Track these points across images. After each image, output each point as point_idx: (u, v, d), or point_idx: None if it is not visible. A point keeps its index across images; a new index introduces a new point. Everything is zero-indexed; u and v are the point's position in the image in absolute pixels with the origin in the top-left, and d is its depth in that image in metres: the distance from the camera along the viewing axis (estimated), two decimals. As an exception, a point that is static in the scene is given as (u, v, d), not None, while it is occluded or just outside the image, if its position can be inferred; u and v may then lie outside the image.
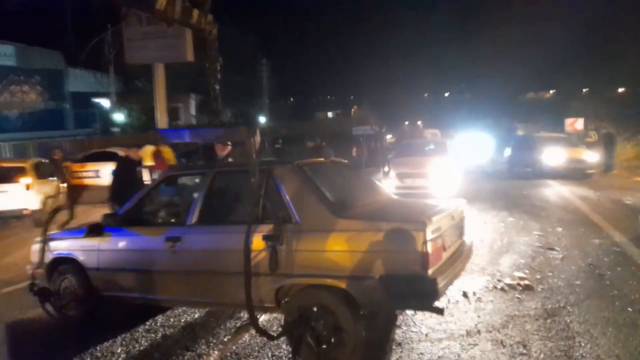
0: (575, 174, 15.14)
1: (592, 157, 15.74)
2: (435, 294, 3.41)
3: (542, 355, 3.69)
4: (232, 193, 4.45)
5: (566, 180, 14.52)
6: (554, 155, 15.39)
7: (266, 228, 3.75)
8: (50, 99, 28.58)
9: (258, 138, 3.99)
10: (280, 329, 4.04)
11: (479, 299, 4.89)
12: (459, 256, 4.09)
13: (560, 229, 7.89)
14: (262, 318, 4.51)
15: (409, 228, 3.44)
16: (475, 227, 7.24)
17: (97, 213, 8.02)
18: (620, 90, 38.28)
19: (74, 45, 28.63)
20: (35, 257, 4.97)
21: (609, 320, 4.27)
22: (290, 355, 3.72)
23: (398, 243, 3.42)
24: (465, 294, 4.96)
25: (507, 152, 18.62)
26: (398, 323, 4.34)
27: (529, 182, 14.52)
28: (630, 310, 4.47)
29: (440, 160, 11.69)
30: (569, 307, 4.60)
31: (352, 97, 52.49)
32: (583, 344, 3.83)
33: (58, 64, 29.15)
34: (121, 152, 12.81)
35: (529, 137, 18.43)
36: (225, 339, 4.23)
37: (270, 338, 3.83)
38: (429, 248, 3.37)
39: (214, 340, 4.22)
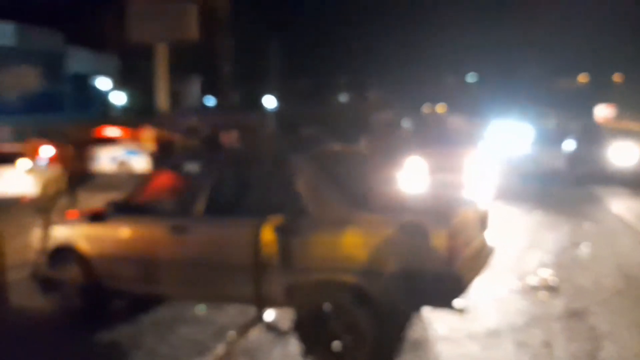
0: None
1: None
2: (457, 291, 3.45)
3: (565, 357, 3.73)
4: (242, 182, 4.48)
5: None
6: (624, 152, 12.04)
7: (278, 219, 3.78)
8: (49, 81, 28.79)
9: (271, 124, 4.03)
10: (291, 325, 4.10)
11: (501, 298, 4.93)
12: (482, 252, 4.11)
13: (586, 224, 7.89)
14: (272, 313, 4.57)
15: (432, 222, 3.46)
16: (501, 224, 7.20)
17: (98, 200, 8.13)
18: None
19: (76, 23, 28.75)
20: (37, 245, 5.07)
21: (635, 320, 4.29)
22: (302, 354, 3.78)
23: (419, 238, 3.44)
24: (486, 292, 4.99)
25: (568, 145, 14.98)
26: (416, 322, 4.38)
27: (577, 191, 11.29)
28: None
29: (473, 153, 11.03)
30: (594, 307, 4.62)
31: (368, 79, 52.04)
32: (608, 346, 3.87)
33: (58, 44, 29.31)
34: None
35: (593, 127, 15.10)
36: (234, 334, 4.31)
37: (281, 334, 3.90)
38: (452, 243, 3.39)
39: (222, 335, 4.30)
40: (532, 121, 24.21)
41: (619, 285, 5.20)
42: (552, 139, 24.25)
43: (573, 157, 14.32)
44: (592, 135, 13.95)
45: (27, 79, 26.51)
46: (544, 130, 24.42)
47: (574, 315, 4.47)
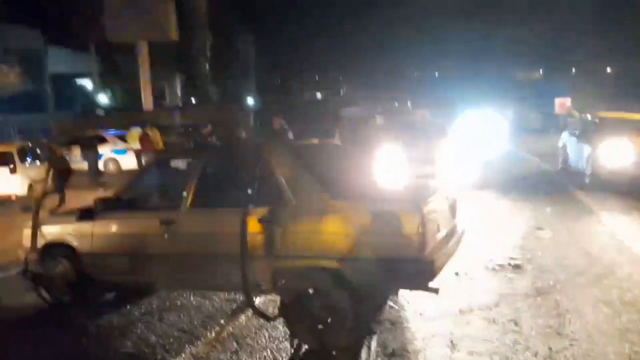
0: None
1: None
2: (431, 274, 3.51)
3: (533, 332, 3.84)
4: (225, 175, 4.49)
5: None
6: (617, 151, 9.30)
7: (261, 210, 3.80)
8: (30, 80, 28.01)
9: (250, 119, 4.04)
10: (276, 311, 4.13)
11: (471, 279, 5.04)
12: (453, 237, 4.19)
13: (549, 209, 8.09)
14: (258, 300, 4.59)
15: (405, 209, 3.52)
16: (473, 210, 7.30)
17: (85, 198, 8.00)
18: (609, 70, 38.78)
19: (55, 23, 28.03)
20: (27, 242, 4.99)
21: (597, 298, 4.43)
22: (287, 337, 3.82)
23: (394, 224, 3.50)
24: (457, 274, 5.10)
25: (562, 140, 12.81)
26: (393, 303, 4.46)
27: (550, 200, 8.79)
28: (617, 287, 4.65)
29: (444, 144, 10.85)
30: (558, 286, 4.76)
31: (340, 78, 52.38)
32: (573, 321, 3.99)
33: (37, 43, 28.52)
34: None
35: (584, 120, 12.11)
36: (222, 321, 4.33)
37: (268, 319, 3.93)
38: (425, 229, 3.46)
39: (211, 322, 4.31)
40: (499, 112, 23.69)
41: (580, 265, 5.36)
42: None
43: (564, 156, 12.16)
44: (582, 130, 11.31)
45: (7, 79, 25.76)
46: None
47: (540, 293, 4.60)
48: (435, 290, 3.60)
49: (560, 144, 12.99)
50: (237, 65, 36.59)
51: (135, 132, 14.41)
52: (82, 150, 14.44)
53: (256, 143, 4.50)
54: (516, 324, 3.99)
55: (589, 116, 11.84)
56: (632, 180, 8.96)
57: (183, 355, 3.77)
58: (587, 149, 10.16)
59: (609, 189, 9.04)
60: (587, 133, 10.79)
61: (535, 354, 3.52)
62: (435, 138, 11.22)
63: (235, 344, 3.89)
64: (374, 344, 3.78)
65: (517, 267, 5.33)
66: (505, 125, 20.91)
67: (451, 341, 3.76)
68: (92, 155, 14.28)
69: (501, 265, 5.38)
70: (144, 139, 12.24)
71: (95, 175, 13.97)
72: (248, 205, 3.73)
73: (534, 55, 44.17)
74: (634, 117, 10.95)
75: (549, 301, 4.40)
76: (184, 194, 4.26)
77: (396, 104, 27.26)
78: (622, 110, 12.82)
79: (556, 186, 10.62)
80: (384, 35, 45.88)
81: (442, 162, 10.20)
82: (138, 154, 13.74)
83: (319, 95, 48.48)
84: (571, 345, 3.61)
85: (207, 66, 31.10)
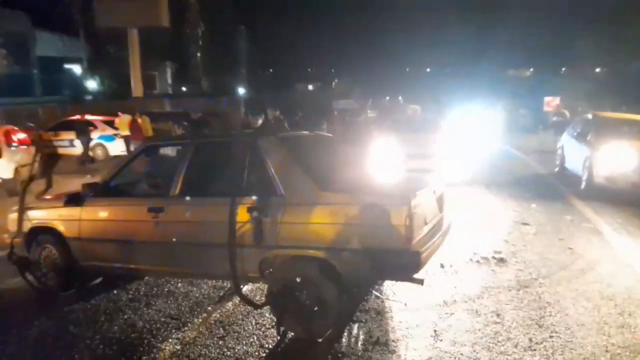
0: None
1: None
2: (417, 266, 3.56)
3: (514, 324, 3.92)
4: (215, 164, 4.48)
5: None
6: (617, 156, 8.58)
7: (250, 200, 3.82)
8: (16, 64, 27.57)
9: (242, 109, 4.03)
10: (263, 299, 4.16)
11: (456, 271, 5.11)
12: (439, 230, 4.25)
13: (534, 205, 8.19)
14: (246, 288, 4.62)
15: (393, 202, 3.56)
16: (460, 204, 7.35)
17: (72, 183, 7.95)
18: (598, 70, 39.28)
19: (42, 6, 27.60)
20: (12, 226, 4.96)
21: (578, 292, 4.53)
22: (274, 324, 3.86)
23: (381, 216, 3.53)
24: (443, 266, 5.18)
25: (562, 141, 11.92)
26: (378, 293, 4.52)
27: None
28: (598, 282, 4.75)
29: (436, 139, 10.69)
30: (540, 279, 4.86)
31: (332, 70, 52.45)
32: (553, 314, 4.08)
33: (25, 27, 28.07)
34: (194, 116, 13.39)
35: (583, 120, 11.02)
36: (209, 308, 4.35)
37: (255, 307, 3.97)
38: (412, 222, 3.50)
39: (198, 309, 4.34)
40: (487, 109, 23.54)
41: (563, 260, 5.46)
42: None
43: (561, 158, 11.50)
44: (582, 131, 10.41)
45: (-6, 61, 25.34)
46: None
47: (522, 286, 4.68)
48: (420, 282, 3.66)
49: (558, 145, 12.16)
50: (230, 56, 36.41)
51: (125, 118, 14.34)
52: (77, 135, 15.20)
53: (248, 133, 4.50)
54: (498, 315, 4.07)
55: (589, 116, 10.86)
56: (633, 188, 8.38)
57: (170, 340, 3.79)
58: (585, 152, 9.50)
59: (603, 193, 8.64)
60: (585, 134, 10.01)
61: (516, 345, 3.60)
62: (431, 133, 11.09)
63: (222, 330, 3.93)
64: (359, 332, 3.84)
65: (501, 260, 5.42)
66: (496, 122, 21.01)
67: (435, 331, 3.83)
68: (85, 139, 15.13)
69: (485, 259, 5.47)
70: (133, 125, 12.17)
71: (87, 159, 14.64)
72: (237, 195, 3.75)
73: (525, 54, 44.55)
74: (633, 118, 10.25)
75: (531, 294, 4.49)
76: (173, 181, 4.26)
77: (387, 98, 27.32)
78: (610, 110, 12.76)
79: (546, 185, 10.71)
80: (377, 30, 46.00)
81: (439, 156, 10.10)
82: (127, 141, 13.69)
83: (310, 87, 48.45)
84: (551, 337, 3.70)
85: (199, 55, 30.93)
